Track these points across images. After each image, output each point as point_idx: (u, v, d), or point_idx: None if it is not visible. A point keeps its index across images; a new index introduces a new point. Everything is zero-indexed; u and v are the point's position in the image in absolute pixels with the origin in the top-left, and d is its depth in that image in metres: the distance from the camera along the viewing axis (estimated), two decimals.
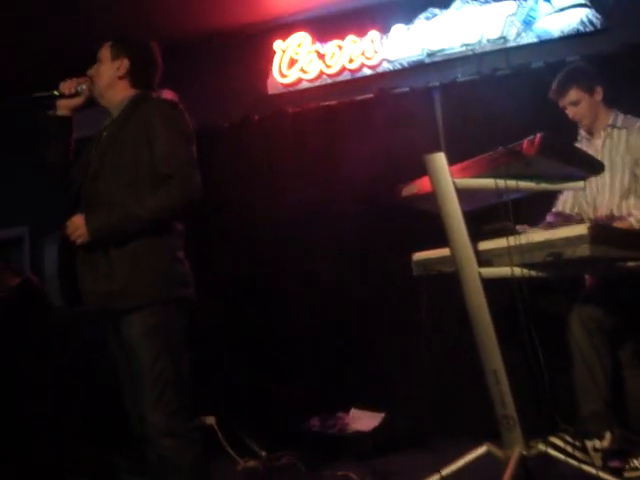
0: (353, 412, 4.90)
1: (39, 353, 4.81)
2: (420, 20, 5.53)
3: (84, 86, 3.01)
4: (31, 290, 5.22)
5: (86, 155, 2.98)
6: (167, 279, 2.78)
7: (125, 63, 2.98)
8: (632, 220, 3.43)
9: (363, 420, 4.75)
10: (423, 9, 5.53)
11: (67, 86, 3.01)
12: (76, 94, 3.01)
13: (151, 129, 2.78)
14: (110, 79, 2.99)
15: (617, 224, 3.40)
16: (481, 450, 3.20)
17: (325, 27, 5.87)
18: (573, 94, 3.76)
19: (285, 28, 5.96)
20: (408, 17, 5.57)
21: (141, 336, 2.73)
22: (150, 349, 2.73)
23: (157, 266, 2.76)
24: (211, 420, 4.68)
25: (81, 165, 2.96)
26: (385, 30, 5.64)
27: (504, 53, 5.25)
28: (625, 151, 3.66)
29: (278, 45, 5.95)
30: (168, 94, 5.34)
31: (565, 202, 3.86)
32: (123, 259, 2.75)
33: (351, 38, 5.74)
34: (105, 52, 3.02)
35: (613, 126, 3.73)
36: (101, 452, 4.53)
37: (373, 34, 5.66)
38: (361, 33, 5.70)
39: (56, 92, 3.02)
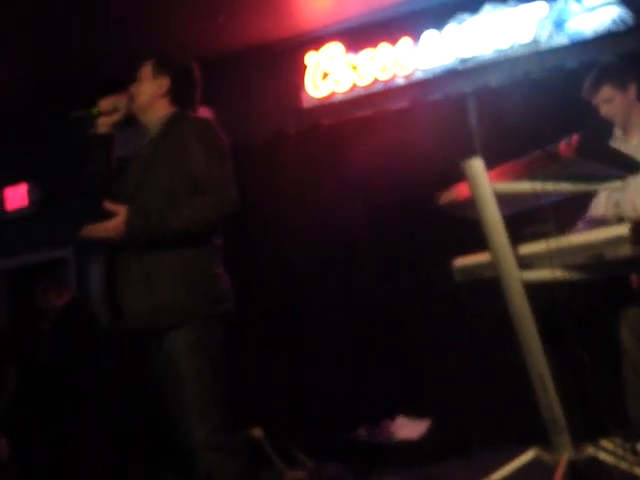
0: (399, 420, 4.89)
1: (89, 371, 4.88)
2: (451, 25, 5.53)
3: (123, 103, 3.04)
4: (79, 309, 5.32)
5: (126, 173, 3.01)
6: (208, 295, 2.81)
7: (166, 82, 3.03)
8: None
9: (409, 428, 4.75)
10: (453, 14, 5.54)
11: (105, 103, 3.04)
12: (114, 111, 3.03)
13: (186, 148, 2.82)
14: (151, 97, 3.03)
15: None
16: (529, 455, 3.18)
17: (356, 37, 5.91)
18: (606, 91, 3.71)
19: (317, 41, 6.02)
20: (438, 24, 5.59)
21: (183, 352, 2.76)
22: (192, 364, 2.76)
23: (198, 282, 2.79)
24: (258, 432, 4.71)
25: (121, 183, 2.98)
26: (416, 37, 5.66)
27: (537, 56, 5.23)
28: None
29: (310, 58, 6.00)
30: (204, 111, 5.43)
31: (598, 205, 3.82)
32: (164, 275, 2.77)
33: (383, 47, 5.75)
34: (147, 70, 3.07)
35: None
36: (151, 468, 4.59)
37: (405, 42, 5.68)
38: (393, 42, 5.73)
39: (95, 110, 3.03)
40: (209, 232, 2.88)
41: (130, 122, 3.11)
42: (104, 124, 3.04)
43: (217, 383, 2.78)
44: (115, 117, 3.03)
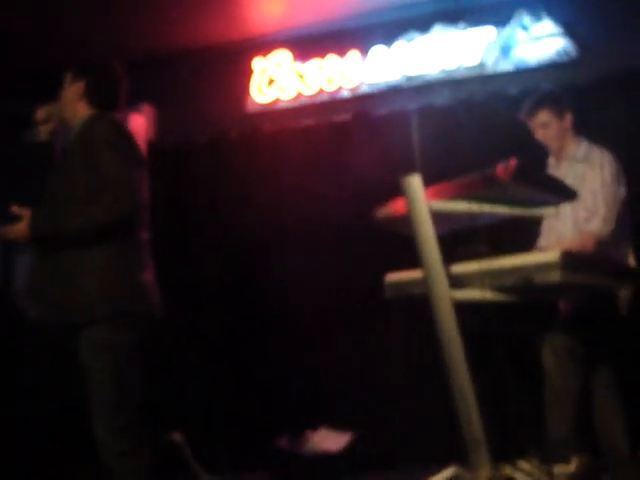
0: (322, 431, 4.89)
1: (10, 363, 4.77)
2: (400, 42, 5.57)
3: (55, 111, 3.17)
4: (4, 301, 5.20)
5: (52, 173, 3.06)
6: (114, 293, 2.79)
7: (81, 85, 3.07)
8: (592, 227, 3.51)
9: (331, 439, 4.74)
10: (403, 32, 5.58)
11: (41, 113, 3.18)
12: (49, 119, 3.18)
13: (92, 149, 2.85)
14: (69, 101, 3.10)
15: (577, 241, 3.47)
16: (448, 472, 3.20)
17: (305, 46, 5.90)
18: (543, 116, 3.80)
19: (265, 46, 5.99)
20: (388, 40, 5.62)
21: (89, 352, 2.78)
22: (96, 365, 2.77)
23: (106, 281, 2.78)
24: (178, 436, 4.64)
25: (48, 183, 3.04)
26: (365, 51, 5.69)
27: (481, 80, 5.32)
28: (581, 184, 3.68)
29: (258, 63, 5.98)
30: (146, 109, 5.40)
31: (542, 233, 3.90)
32: (75, 274, 2.79)
33: (331, 58, 5.77)
34: (67, 78, 3.13)
35: (575, 159, 3.79)
36: (66, 468, 4.49)
37: (353, 55, 5.70)
38: (341, 53, 5.74)
39: (33, 120, 3.20)
40: (121, 229, 2.83)
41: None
42: (43, 132, 3.18)
43: (121, 385, 2.77)
44: (51, 125, 3.18)
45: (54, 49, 5.63)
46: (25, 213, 2.83)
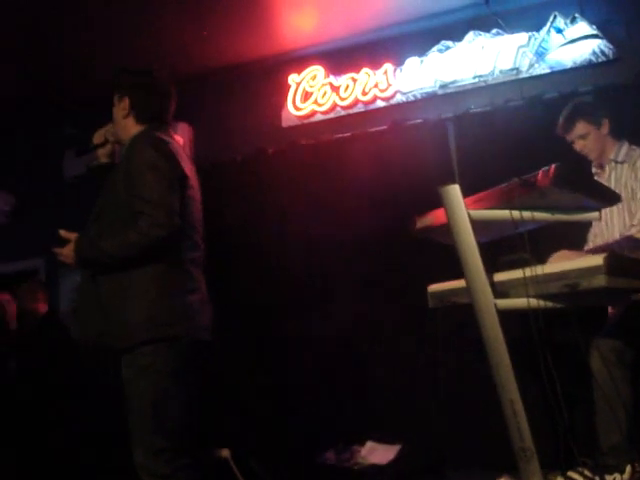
0: (369, 444, 4.86)
1: (64, 385, 4.83)
2: (433, 53, 5.57)
3: (110, 132, 3.18)
4: (56, 320, 5.29)
5: (100, 194, 3.05)
6: (155, 317, 2.74)
7: (125, 102, 3.05)
8: (633, 231, 3.45)
9: (379, 453, 4.72)
10: (436, 42, 5.58)
11: (98, 136, 3.19)
12: (106, 141, 3.18)
13: (131, 170, 2.83)
14: (118, 120, 3.09)
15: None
16: None
17: (339, 60, 5.93)
18: (580, 128, 3.78)
19: (299, 61, 6.02)
20: (421, 50, 5.62)
21: (129, 377, 2.76)
22: (136, 390, 2.74)
23: (143, 304, 2.75)
24: (225, 452, 4.66)
25: (96, 204, 3.03)
26: (399, 63, 5.69)
27: (517, 84, 5.27)
28: (624, 186, 3.66)
29: (293, 78, 6.01)
30: (182, 127, 5.42)
31: (595, 237, 3.85)
32: (113, 295, 2.78)
33: (365, 71, 5.78)
34: (115, 96, 3.11)
35: (615, 161, 3.74)
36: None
37: (387, 67, 5.70)
38: (375, 66, 5.75)
39: (92, 145, 3.22)
40: (164, 251, 2.78)
41: None
42: (102, 155, 3.19)
43: (160, 410, 2.73)
44: (109, 147, 3.18)
45: (92, 74, 5.74)
46: (71, 237, 2.86)
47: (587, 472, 3.13)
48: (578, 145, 3.81)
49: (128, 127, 3.04)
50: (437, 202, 3.07)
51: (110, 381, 3.03)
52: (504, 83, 5.32)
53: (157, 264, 2.78)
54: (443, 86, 5.52)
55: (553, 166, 2.69)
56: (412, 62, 5.64)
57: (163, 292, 2.78)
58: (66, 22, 5.38)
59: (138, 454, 2.73)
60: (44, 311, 5.27)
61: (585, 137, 3.79)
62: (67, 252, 2.84)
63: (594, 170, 3.88)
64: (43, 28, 5.43)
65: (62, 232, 2.88)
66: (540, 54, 5.24)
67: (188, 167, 2.98)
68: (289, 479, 4.63)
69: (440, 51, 5.56)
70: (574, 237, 3.89)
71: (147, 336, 2.71)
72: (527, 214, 2.91)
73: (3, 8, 5.07)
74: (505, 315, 3.00)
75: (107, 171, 3.09)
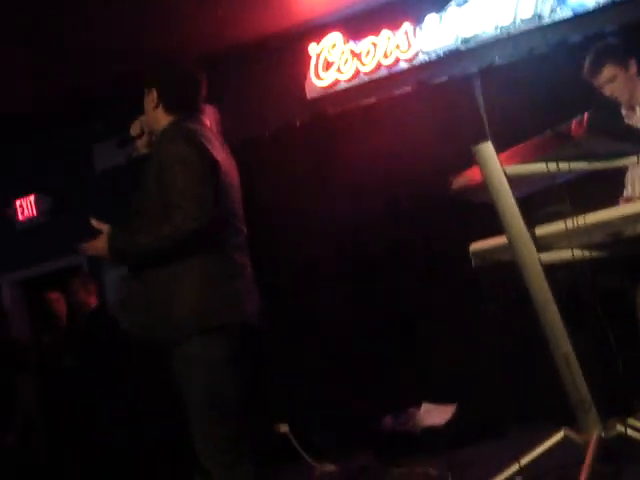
0: (425, 406, 4.89)
1: (119, 375, 4.91)
2: (452, 7, 5.49)
3: (144, 123, 3.12)
4: (106, 314, 5.38)
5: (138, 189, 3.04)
6: (203, 308, 2.73)
7: (153, 94, 3.02)
8: None
9: (435, 414, 4.74)
10: None
11: (134, 128, 3.14)
12: (142, 133, 3.12)
13: (161, 164, 2.81)
14: (149, 112, 3.05)
15: None
16: (558, 436, 3.18)
17: (357, 25, 5.88)
18: (608, 71, 3.67)
19: (318, 30, 5.98)
20: (440, 6, 5.54)
21: (182, 369, 2.76)
22: (190, 382, 2.75)
23: (190, 296, 2.73)
24: (285, 427, 4.73)
25: (134, 199, 3.01)
26: (418, 21, 5.62)
27: (540, 31, 5.18)
28: None
29: (312, 49, 5.97)
30: (208, 109, 5.40)
31: (626, 184, 3.78)
32: (159, 289, 2.77)
33: (385, 33, 5.73)
34: (145, 89, 3.08)
35: None
36: (180, 468, 4.61)
37: (406, 27, 5.64)
38: (394, 27, 5.69)
39: (130, 136, 3.18)
40: (205, 241, 2.76)
41: None
42: (141, 146, 3.15)
43: (217, 398, 2.74)
44: (145, 138, 3.12)
45: (116, 65, 5.78)
46: (104, 228, 2.82)
47: None
48: (607, 89, 3.72)
49: (158, 118, 3.00)
50: (471, 161, 3.06)
51: (162, 372, 3.06)
52: (527, 32, 5.24)
53: (199, 254, 2.76)
54: (465, 41, 5.46)
55: (586, 115, 2.65)
56: (431, 19, 5.57)
57: (207, 282, 2.76)
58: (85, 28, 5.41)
59: (199, 443, 2.75)
60: (95, 304, 5.35)
61: (613, 80, 3.69)
62: (99, 244, 2.81)
63: (624, 113, 3.80)
64: (64, 33, 5.47)
65: (94, 221, 2.85)
66: None
67: (220, 153, 2.95)
68: (349, 448, 4.69)
69: (459, 5, 5.48)
70: (612, 184, 3.84)
71: (194, 328, 2.71)
72: (564, 165, 2.89)
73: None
74: (550, 268, 3.00)
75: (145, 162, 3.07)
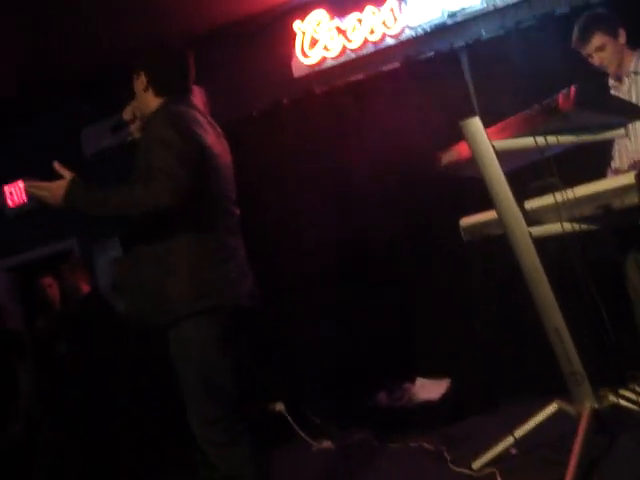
0: (419, 381, 4.92)
1: (112, 361, 4.92)
2: None
3: (135, 108, 3.12)
4: (100, 299, 5.38)
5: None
6: (191, 292, 2.74)
7: (142, 77, 3.02)
8: None
9: (430, 388, 4.77)
10: None
11: (126, 113, 3.14)
12: (134, 117, 3.13)
13: (146, 147, 2.81)
14: (139, 95, 3.05)
15: None
16: (552, 408, 3.22)
17: (342, 1, 5.83)
18: (597, 39, 3.65)
19: (302, 7, 5.93)
20: None
21: (175, 351, 2.79)
22: (184, 363, 2.78)
23: (181, 279, 2.74)
24: (280, 406, 4.76)
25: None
26: None
27: (527, 4, 5.15)
28: None
29: (297, 26, 5.93)
30: (195, 91, 5.36)
31: (614, 156, 3.79)
32: (150, 273, 2.78)
33: (369, 9, 5.69)
34: (133, 74, 3.07)
35: (636, 72, 3.65)
36: (180, 448, 4.65)
37: (391, 2, 5.61)
38: (379, 2, 5.66)
39: (123, 121, 3.16)
40: (192, 224, 2.77)
41: None
42: (135, 130, 3.13)
43: (210, 379, 2.77)
44: (138, 123, 3.12)
45: (95, 47, 5.74)
46: (67, 174, 2.77)
47: (638, 387, 3.14)
48: (596, 58, 3.70)
49: (148, 101, 3.01)
50: (459, 136, 3.06)
51: (158, 354, 3.07)
52: (513, 5, 5.20)
53: (190, 237, 2.78)
54: (452, 15, 5.42)
55: (573, 88, 2.65)
56: None
57: (199, 265, 2.77)
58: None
59: (195, 425, 2.78)
60: (87, 289, 5.35)
61: (602, 49, 3.67)
62: (55, 187, 2.76)
63: (612, 83, 3.79)
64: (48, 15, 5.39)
65: (57, 165, 2.81)
66: None
67: (210, 134, 2.95)
68: (345, 425, 4.72)
69: None
70: (600, 156, 3.85)
71: (187, 310, 2.73)
72: (552, 139, 2.89)
73: None
74: (540, 241, 3.01)
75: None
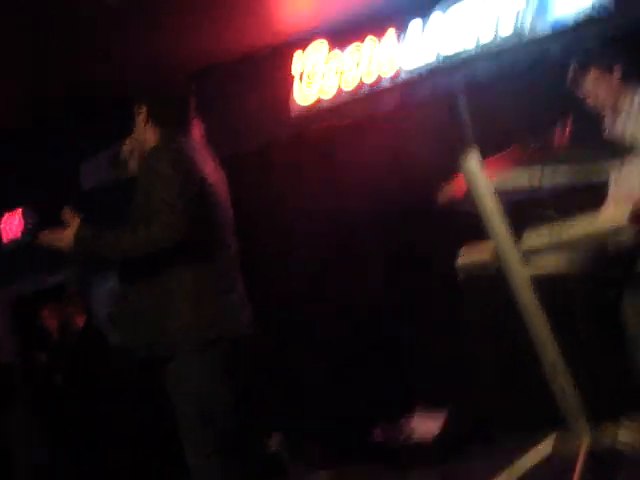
0: (414, 416, 4.88)
1: (107, 390, 4.91)
2: (436, 14, 5.54)
3: (135, 143, 3.09)
4: (95, 331, 5.38)
5: None
6: (191, 324, 2.75)
7: (143, 109, 3.03)
8: None
9: (427, 423, 4.74)
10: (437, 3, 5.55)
11: (126, 148, 3.11)
12: (133, 153, 3.09)
13: (144, 180, 2.84)
14: (140, 129, 3.05)
15: None
16: (549, 443, 3.19)
17: (342, 33, 5.91)
18: (592, 75, 3.67)
19: (302, 43, 6.01)
20: (423, 12, 5.59)
21: (173, 382, 2.78)
22: (182, 396, 2.77)
23: (179, 312, 2.74)
24: (276, 439, 4.73)
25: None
26: (402, 27, 5.67)
27: (521, 47, 5.24)
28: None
29: (296, 62, 6.00)
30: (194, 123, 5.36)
31: (616, 181, 3.78)
32: (151, 306, 2.78)
33: (368, 45, 5.77)
34: (134, 105, 3.08)
35: (630, 109, 3.68)
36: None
37: (390, 35, 5.69)
38: (379, 34, 5.74)
39: (122, 156, 3.13)
40: (193, 257, 2.79)
41: None
42: (134, 167, 3.07)
43: (209, 411, 2.75)
44: (136, 158, 3.07)
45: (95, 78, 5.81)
46: (74, 222, 2.80)
47: (635, 424, 3.14)
48: (591, 97, 3.72)
49: (149, 136, 3.02)
50: (457, 174, 3.10)
51: (153, 386, 3.06)
52: (508, 48, 5.29)
53: (191, 269, 2.79)
54: (447, 58, 5.50)
55: (568, 125, 2.70)
56: (415, 26, 5.62)
57: (200, 296, 2.78)
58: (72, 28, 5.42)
59: (191, 456, 2.75)
60: (83, 321, 5.35)
61: (598, 85, 3.68)
62: (64, 235, 2.78)
63: (607, 122, 3.82)
64: (54, 36, 5.49)
65: (66, 213, 2.83)
66: (540, 13, 5.20)
67: (209, 165, 2.98)
68: (341, 459, 4.69)
69: (442, 12, 5.53)
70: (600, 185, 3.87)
71: (188, 342, 2.73)
72: (547, 174, 2.93)
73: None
74: (537, 277, 3.02)
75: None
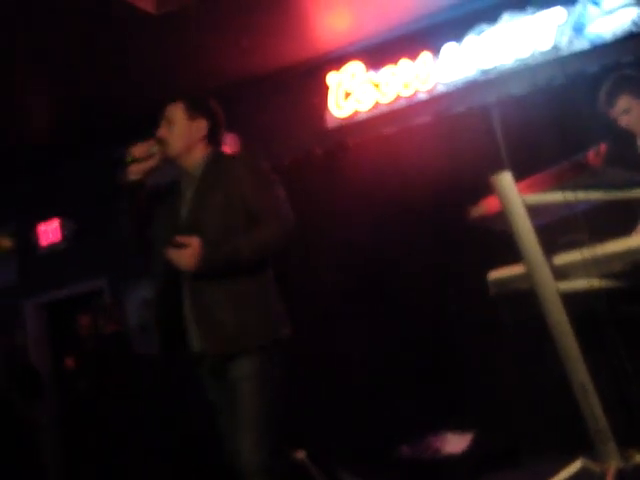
0: (442, 434, 4.87)
1: (131, 398, 4.96)
2: (470, 37, 5.55)
3: (156, 148, 2.97)
4: (123, 339, 5.45)
5: (169, 216, 3.02)
6: (269, 322, 2.87)
7: (203, 124, 3.01)
8: None
9: (452, 443, 4.72)
10: (472, 26, 5.56)
11: (139, 150, 2.97)
12: (150, 157, 2.96)
13: (240, 182, 2.89)
14: (189, 140, 3.01)
15: None
16: (576, 466, 3.16)
17: (377, 55, 5.96)
18: (623, 102, 3.66)
19: (338, 61, 6.07)
20: (458, 35, 5.62)
21: (245, 379, 2.80)
22: (253, 391, 2.79)
23: (261, 310, 2.86)
24: (301, 454, 4.72)
25: (168, 226, 2.98)
26: (436, 51, 5.70)
27: (558, 62, 5.22)
28: None
29: (332, 78, 6.04)
30: (229, 139, 5.44)
31: None
32: (230, 303, 2.83)
33: (403, 64, 5.78)
34: (179, 112, 3.02)
35: None
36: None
37: (425, 56, 5.70)
38: (413, 56, 5.76)
39: (129, 158, 2.97)
40: (267, 259, 2.95)
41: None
42: (136, 171, 2.97)
43: (274, 411, 2.82)
44: (151, 163, 2.97)
45: (140, 95, 5.89)
46: (193, 243, 2.74)
47: None
48: (622, 121, 3.71)
49: (199, 148, 3.02)
50: (489, 190, 3.09)
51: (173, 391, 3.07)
52: (545, 63, 5.28)
53: (262, 272, 2.93)
54: (483, 72, 5.50)
55: (603, 145, 2.68)
56: (449, 48, 5.63)
57: (270, 297, 2.93)
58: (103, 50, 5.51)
59: (254, 455, 2.76)
60: (115, 329, 5.42)
61: (629, 111, 3.67)
62: (190, 254, 2.73)
63: (639, 143, 3.80)
64: (86, 57, 5.56)
65: (180, 238, 2.76)
66: (578, 29, 5.18)
67: None
68: (367, 476, 4.67)
69: (477, 34, 5.53)
70: (629, 211, 3.84)
71: (267, 338, 2.84)
72: (581, 195, 2.91)
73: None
74: (567, 296, 3.00)
75: (138, 189, 3.00)
